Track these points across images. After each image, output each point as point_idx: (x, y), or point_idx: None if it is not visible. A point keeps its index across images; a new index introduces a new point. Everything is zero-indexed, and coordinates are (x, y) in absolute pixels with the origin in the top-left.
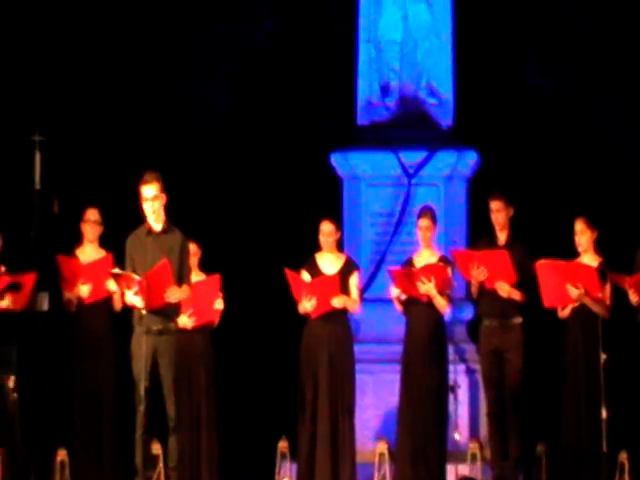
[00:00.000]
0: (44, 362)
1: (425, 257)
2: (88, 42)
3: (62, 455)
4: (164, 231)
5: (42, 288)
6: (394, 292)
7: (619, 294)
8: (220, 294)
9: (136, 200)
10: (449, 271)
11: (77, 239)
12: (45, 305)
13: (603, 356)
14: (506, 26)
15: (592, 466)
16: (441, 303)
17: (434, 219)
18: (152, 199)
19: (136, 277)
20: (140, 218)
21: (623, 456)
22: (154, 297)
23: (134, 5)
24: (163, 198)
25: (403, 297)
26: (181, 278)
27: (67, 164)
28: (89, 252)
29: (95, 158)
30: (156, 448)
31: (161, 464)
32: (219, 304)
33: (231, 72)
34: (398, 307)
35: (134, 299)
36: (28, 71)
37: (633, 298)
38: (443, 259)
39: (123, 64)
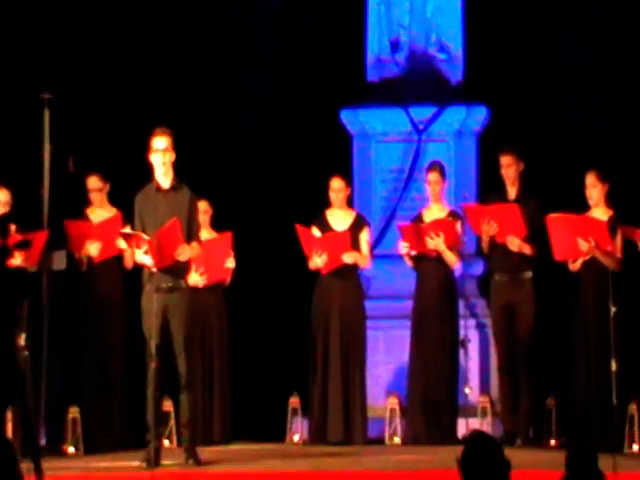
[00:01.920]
0: (57, 320)
1: (434, 212)
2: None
3: (74, 413)
4: (173, 188)
5: (59, 247)
6: (403, 248)
7: (630, 247)
8: (231, 252)
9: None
10: (458, 226)
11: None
12: (63, 264)
13: (613, 309)
14: None
15: (602, 418)
16: (451, 258)
17: (443, 174)
18: (163, 151)
19: (145, 237)
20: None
21: (633, 408)
22: (164, 256)
23: None
24: (173, 154)
25: (413, 253)
26: (191, 236)
27: (78, 121)
28: (99, 211)
29: (105, 115)
30: (167, 405)
31: (172, 421)
32: (230, 262)
33: (244, 32)
34: (408, 263)
35: (144, 258)
36: (36, 28)
37: None
38: (452, 214)
39: (134, 19)
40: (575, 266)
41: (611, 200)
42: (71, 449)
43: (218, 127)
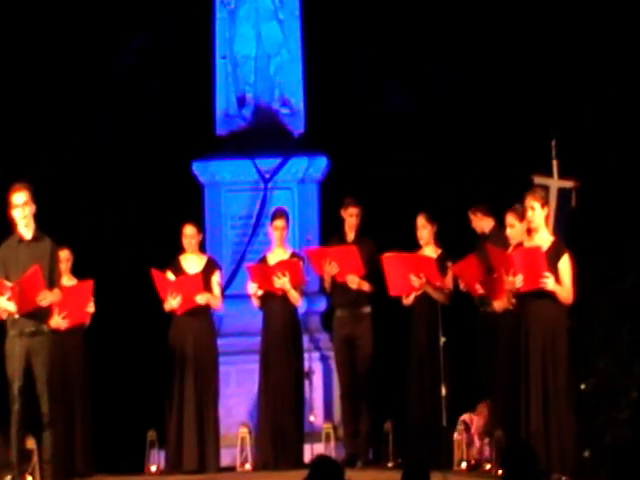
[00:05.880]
0: None
1: (278, 254)
2: None
3: None
4: (35, 239)
5: None
6: (251, 288)
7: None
8: (91, 298)
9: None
10: (301, 265)
11: None
12: None
13: (442, 339)
14: (350, 41)
15: (433, 438)
16: (295, 296)
17: (287, 220)
18: (22, 205)
19: (8, 283)
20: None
21: (461, 428)
22: (26, 301)
23: None
24: (33, 207)
25: (260, 292)
26: (52, 282)
27: None
28: None
29: None
30: (30, 443)
31: (35, 458)
32: (90, 307)
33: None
34: (255, 302)
35: (7, 304)
36: None
37: (460, 284)
38: (294, 255)
39: None
40: (408, 300)
41: (439, 239)
42: None
43: (76, 178)
